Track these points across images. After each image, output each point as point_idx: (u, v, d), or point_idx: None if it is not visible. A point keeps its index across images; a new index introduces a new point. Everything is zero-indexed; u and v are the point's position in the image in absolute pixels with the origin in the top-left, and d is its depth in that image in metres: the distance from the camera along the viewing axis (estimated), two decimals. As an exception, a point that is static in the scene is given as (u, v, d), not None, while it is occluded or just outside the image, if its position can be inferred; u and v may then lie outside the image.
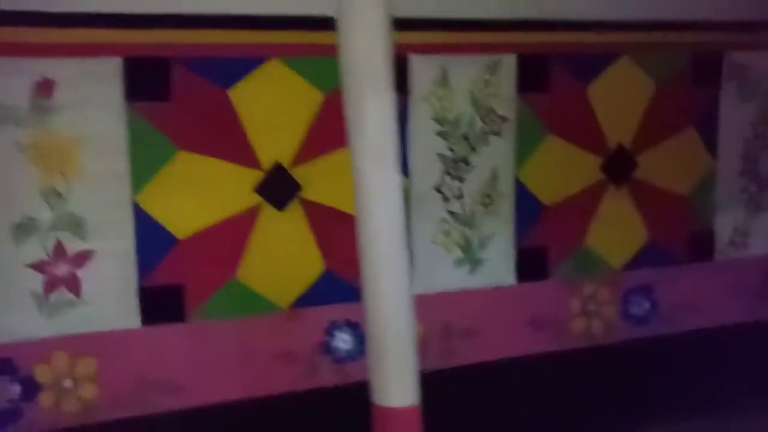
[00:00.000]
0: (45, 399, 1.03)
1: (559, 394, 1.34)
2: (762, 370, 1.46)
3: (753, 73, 1.38)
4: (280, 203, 1.14)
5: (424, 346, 1.23)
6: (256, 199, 1.13)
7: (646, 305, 1.38)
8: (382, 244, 0.98)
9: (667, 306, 1.40)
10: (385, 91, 0.96)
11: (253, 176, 1.12)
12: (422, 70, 1.16)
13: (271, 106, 1.14)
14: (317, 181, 1.17)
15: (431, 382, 1.26)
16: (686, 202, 1.37)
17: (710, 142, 1.37)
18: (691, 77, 1.33)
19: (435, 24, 1.17)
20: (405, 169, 1.20)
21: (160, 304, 1.09)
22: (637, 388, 1.39)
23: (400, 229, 0.95)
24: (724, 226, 1.40)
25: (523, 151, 1.24)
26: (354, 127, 0.96)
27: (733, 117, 1.37)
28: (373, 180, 0.97)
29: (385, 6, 0.98)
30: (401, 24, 1.17)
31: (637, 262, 1.34)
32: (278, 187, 1.13)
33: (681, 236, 1.38)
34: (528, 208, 1.26)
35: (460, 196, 1.23)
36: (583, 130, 1.27)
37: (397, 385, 1.00)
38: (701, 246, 1.39)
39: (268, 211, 1.14)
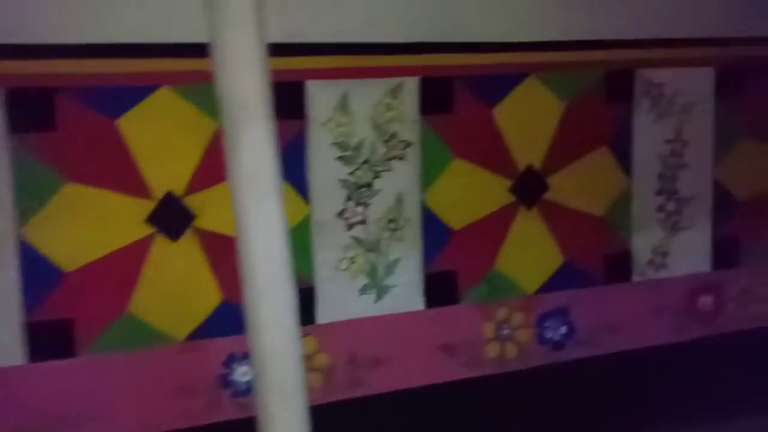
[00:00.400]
0: None
1: (472, 422, 1.33)
2: (683, 392, 1.45)
3: (667, 90, 1.38)
4: (173, 233, 1.12)
5: (330, 376, 1.22)
6: (148, 229, 1.11)
7: (563, 329, 1.36)
8: (263, 277, 0.97)
9: (585, 329, 1.38)
10: (261, 121, 0.93)
11: (145, 206, 1.10)
12: (320, 95, 1.15)
13: (162, 135, 1.12)
14: (212, 210, 1.15)
15: (339, 412, 1.25)
16: (601, 222, 1.35)
17: (625, 161, 1.36)
18: (603, 96, 1.32)
19: (332, 48, 1.15)
20: (306, 196, 1.21)
21: (48, 339, 1.07)
22: (554, 414, 1.38)
23: (283, 263, 0.94)
24: (642, 246, 1.38)
25: (429, 175, 1.23)
26: (230, 158, 0.95)
27: (648, 135, 1.36)
28: (251, 213, 0.94)
29: (260, 32, 0.97)
30: (296, 49, 1.18)
31: (551, 285, 1.33)
32: (171, 217, 1.11)
33: (597, 257, 1.36)
34: (435, 233, 1.24)
35: (364, 222, 1.21)
36: (490, 153, 1.26)
37: (281, 421, 0.99)
38: (618, 267, 1.38)
39: (161, 242, 1.11)
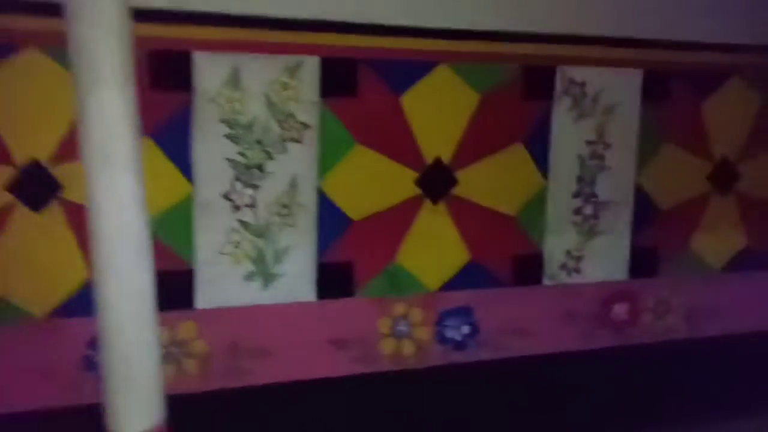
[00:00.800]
0: None
1: (362, 418, 1.28)
2: (589, 401, 1.42)
3: (590, 90, 1.31)
4: (34, 204, 1.07)
5: (206, 364, 1.16)
6: (10, 198, 1.06)
7: (465, 329, 1.30)
8: (113, 255, 0.92)
9: (489, 331, 1.32)
10: (114, 86, 0.89)
11: (7, 173, 1.06)
12: (209, 68, 1.08)
13: (29, 101, 1.08)
14: (81, 181, 1.11)
15: (218, 402, 1.21)
16: (512, 222, 1.29)
17: (541, 161, 1.30)
18: (521, 91, 1.26)
19: (225, 20, 1.08)
20: (189, 174, 1.15)
21: None
22: (450, 415, 1.34)
23: (138, 241, 0.88)
24: (555, 249, 1.32)
25: (328, 160, 1.17)
26: (81, 125, 0.90)
27: (568, 135, 1.30)
28: (102, 185, 0.89)
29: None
30: (184, 18, 1.12)
31: (455, 282, 1.27)
32: (34, 186, 1.06)
33: (506, 258, 1.30)
34: (332, 221, 1.18)
35: (253, 205, 1.15)
36: (395, 142, 1.19)
37: (127, 407, 0.94)
38: (528, 269, 1.31)
39: (23, 213, 1.07)
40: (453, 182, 1.26)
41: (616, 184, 1.36)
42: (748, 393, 1.51)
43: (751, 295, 1.53)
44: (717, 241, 1.46)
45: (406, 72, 1.20)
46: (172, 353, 1.14)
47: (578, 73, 1.31)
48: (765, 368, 1.54)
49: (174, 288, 1.12)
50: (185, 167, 1.11)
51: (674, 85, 1.36)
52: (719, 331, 1.50)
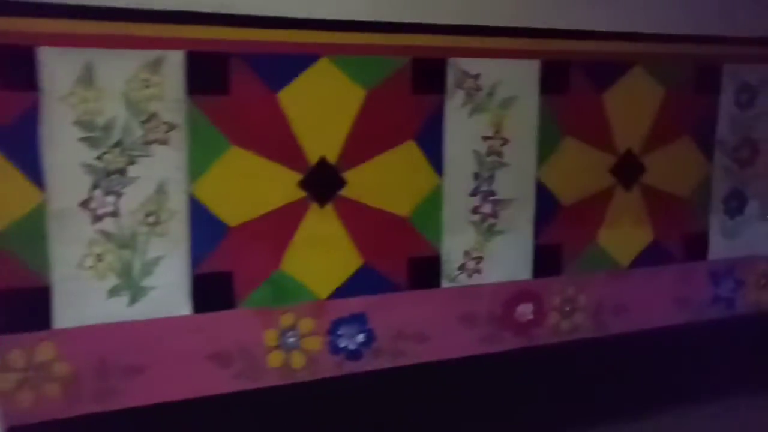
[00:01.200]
0: None
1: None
2: (494, 405, 1.38)
3: (485, 82, 1.20)
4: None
5: (73, 387, 1.07)
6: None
7: (359, 337, 1.23)
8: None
9: (386, 338, 1.25)
10: None
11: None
12: (57, 65, 0.98)
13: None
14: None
15: (87, 427, 1.13)
16: (406, 223, 1.23)
17: (435, 158, 1.21)
18: (410, 85, 1.16)
19: (75, 11, 0.99)
20: (39, 181, 1.04)
21: None
22: (348, 429, 1.29)
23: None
24: (453, 250, 1.26)
25: (199, 163, 1.08)
26: None
27: (462, 130, 1.23)
28: None
29: None
30: (28, 9, 1.01)
31: (347, 289, 1.20)
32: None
33: (401, 261, 1.23)
34: (206, 229, 1.09)
35: (115, 214, 1.05)
36: (275, 142, 1.11)
37: None
38: (425, 272, 1.25)
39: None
40: (341, 183, 1.19)
41: (516, 180, 1.31)
42: (656, 390, 1.51)
43: (659, 291, 1.49)
44: (623, 237, 1.41)
45: (283, 67, 1.11)
46: (29, 378, 1.05)
47: (471, 65, 1.24)
48: (673, 364, 1.54)
49: (29, 307, 1.01)
50: (35, 174, 1.00)
51: (574, 76, 1.31)
52: (627, 329, 1.47)
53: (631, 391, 1.47)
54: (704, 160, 1.48)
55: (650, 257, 1.45)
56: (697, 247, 1.50)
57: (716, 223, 1.51)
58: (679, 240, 1.49)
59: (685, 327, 1.54)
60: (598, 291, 1.42)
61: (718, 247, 1.53)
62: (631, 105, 1.39)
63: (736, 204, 1.54)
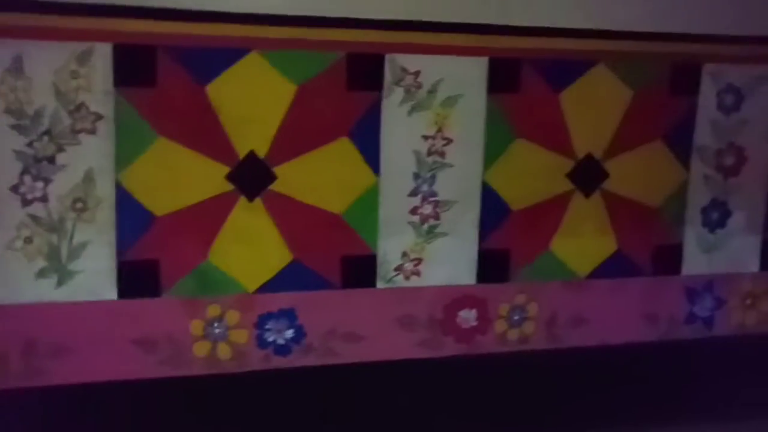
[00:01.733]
0: None
1: (171, 423, 1.23)
2: (431, 409, 1.33)
3: (425, 80, 1.16)
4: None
5: (2, 363, 1.14)
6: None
7: (288, 333, 1.22)
8: None
9: (316, 335, 1.23)
10: None
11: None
12: (-11, 56, 1.10)
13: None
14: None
15: (14, 401, 1.17)
16: (340, 221, 1.22)
17: (371, 157, 1.18)
18: (346, 81, 1.14)
19: (5, 4, 1.02)
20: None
21: None
22: (272, 422, 1.28)
23: None
24: (390, 251, 1.22)
25: (126, 153, 1.11)
26: None
27: (400, 129, 1.19)
28: None
29: None
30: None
31: (277, 283, 1.19)
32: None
33: (333, 259, 1.22)
34: (133, 217, 1.12)
35: (44, 199, 1.10)
36: (203, 135, 1.12)
37: None
38: (360, 271, 1.22)
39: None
40: (271, 178, 1.19)
41: (460, 182, 1.26)
42: (614, 406, 1.41)
43: (624, 305, 1.39)
44: (581, 246, 1.33)
45: (211, 60, 1.12)
46: (-39, 351, 1.15)
47: (411, 61, 1.21)
48: (638, 384, 1.43)
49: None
50: (-32, 159, 1.11)
51: (526, 74, 1.25)
52: (585, 342, 1.39)
53: (587, 408, 1.39)
54: (679, 168, 1.37)
55: (613, 268, 1.36)
56: (668, 260, 1.39)
57: (693, 235, 1.40)
58: (648, 252, 1.38)
59: (656, 345, 1.45)
60: (553, 301, 1.35)
61: (695, 262, 1.41)
62: (593, 106, 1.31)
63: (717, 216, 1.42)
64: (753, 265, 1.46)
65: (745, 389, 1.47)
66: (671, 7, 1.34)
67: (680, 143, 1.37)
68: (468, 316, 1.33)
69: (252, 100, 1.17)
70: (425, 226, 1.27)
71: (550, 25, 1.27)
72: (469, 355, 1.33)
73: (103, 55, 1.10)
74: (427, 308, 1.30)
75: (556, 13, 1.26)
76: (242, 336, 1.23)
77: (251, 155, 1.18)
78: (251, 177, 1.18)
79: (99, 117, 1.11)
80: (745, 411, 1.46)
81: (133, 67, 1.10)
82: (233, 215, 1.19)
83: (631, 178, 1.36)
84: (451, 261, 1.29)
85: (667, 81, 1.34)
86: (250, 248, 1.20)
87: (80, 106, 1.11)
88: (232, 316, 1.21)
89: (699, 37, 1.34)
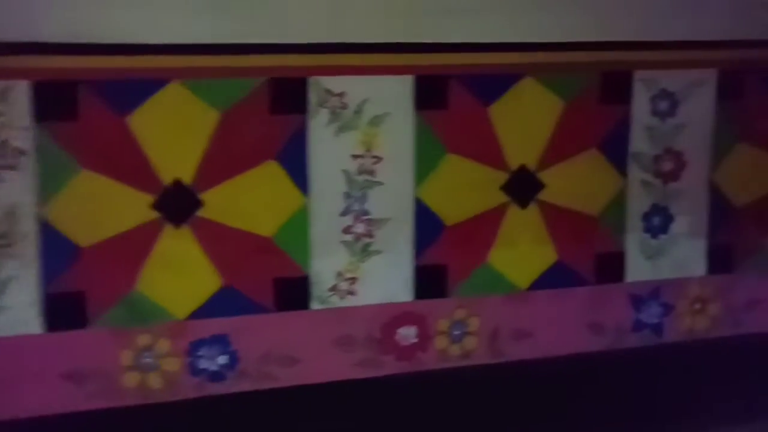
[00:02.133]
0: None
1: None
2: (377, 427, 1.31)
3: (351, 100, 1.17)
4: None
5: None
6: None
7: (221, 359, 1.21)
8: None
9: (251, 360, 1.22)
10: None
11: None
12: None
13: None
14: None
15: None
16: (269, 243, 1.21)
17: (299, 178, 1.19)
18: (269, 105, 1.15)
19: None
20: None
21: None
22: None
23: None
24: (323, 270, 1.22)
25: (49, 187, 1.10)
26: None
27: (328, 150, 1.19)
28: None
29: None
30: None
31: (208, 309, 1.18)
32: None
33: (265, 282, 1.21)
34: (58, 250, 1.11)
35: (-33, 236, 1.17)
36: (126, 164, 1.12)
37: None
38: (292, 293, 1.21)
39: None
40: (197, 204, 1.19)
41: (392, 199, 1.25)
42: (562, 419, 1.39)
43: (568, 315, 1.38)
44: (520, 257, 1.33)
45: (131, 91, 1.12)
46: None
47: (334, 83, 1.22)
48: (582, 392, 1.41)
49: None
50: None
51: (453, 90, 1.25)
52: (530, 355, 1.38)
53: (534, 422, 1.37)
54: (617, 175, 1.36)
55: (554, 279, 1.36)
56: (611, 268, 1.38)
57: (635, 242, 1.39)
58: (590, 261, 1.37)
59: (603, 354, 1.44)
60: (494, 314, 1.34)
61: (639, 269, 1.40)
62: (523, 118, 1.31)
63: (659, 221, 1.41)
64: (699, 269, 1.46)
65: (698, 396, 1.46)
66: (598, 16, 1.35)
67: (616, 151, 1.37)
68: (407, 334, 1.32)
69: (174, 128, 1.17)
70: (359, 245, 1.27)
71: (475, 41, 1.31)
72: (412, 373, 1.34)
73: (21, 92, 1.10)
74: (365, 327, 1.29)
75: (480, 28, 1.31)
76: (174, 364, 1.21)
77: (176, 183, 1.19)
78: (177, 204, 1.17)
79: (21, 152, 1.13)
80: (699, 418, 1.46)
81: (54, 102, 1.10)
82: (160, 243, 1.19)
83: (568, 188, 1.35)
84: (387, 279, 1.28)
85: (598, 90, 1.34)
86: (179, 275, 1.19)
87: (2, 144, 1.14)
88: (163, 345, 1.20)
89: (628, 44, 1.36)
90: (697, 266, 1.45)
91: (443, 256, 1.30)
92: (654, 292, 1.42)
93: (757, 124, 1.44)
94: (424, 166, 1.28)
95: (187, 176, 1.19)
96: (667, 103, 1.41)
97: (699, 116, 1.43)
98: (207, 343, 1.22)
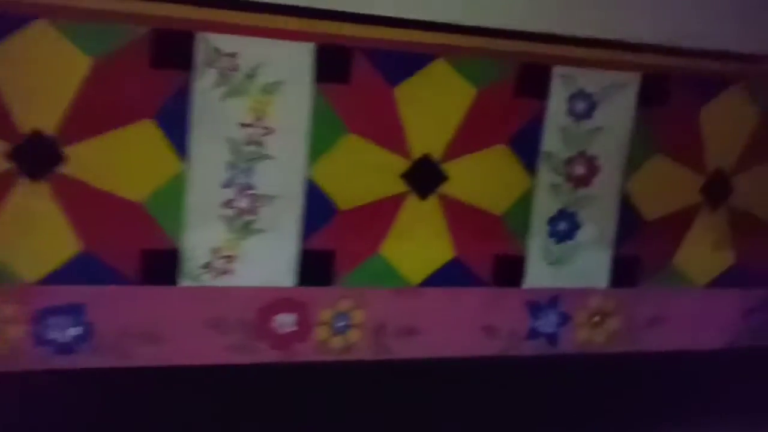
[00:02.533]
0: None
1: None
2: (244, 414, 1.26)
3: (243, 63, 1.06)
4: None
5: None
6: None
7: (73, 330, 1.11)
8: None
9: (108, 334, 1.11)
10: None
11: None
12: None
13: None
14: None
15: None
16: (138, 210, 1.07)
17: (178, 142, 1.07)
18: (149, 59, 1.04)
19: None
20: None
21: None
22: (58, 423, 1.19)
23: None
24: (197, 245, 1.12)
25: None
26: None
27: (213, 114, 1.08)
28: None
29: None
30: None
31: (61, 276, 1.06)
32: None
33: (131, 251, 1.08)
34: None
35: None
36: None
37: None
38: (160, 266, 1.10)
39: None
40: (60, 159, 1.05)
41: (281, 176, 1.16)
42: (442, 420, 1.35)
43: (461, 316, 1.31)
44: (413, 251, 1.24)
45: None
46: None
47: (226, 42, 1.12)
48: (469, 396, 1.37)
49: None
50: None
51: (357, 65, 1.16)
52: (417, 354, 1.30)
53: (415, 422, 1.33)
54: (525, 174, 1.29)
55: (449, 277, 1.29)
56: (510, 271, 1.31)
57: (538, 246, 1.33)
58: (488, 261, 1.31)
59: (495, 359, 1.39)
60: (381, 308, 1.26)
61: (539, 274, 1.34)
62: (431, 104, 1.22)
63: (565, 227, 1.35)
64: (601, 281, 1.43)
65: (588, 410, 1.43)
66: (525, 4, 1.31)
67: (526, 149, 1.31)
68: (285, 321, 1.23)
69: (38, 71, 1.05)
70: (240, 221, 1.17)
71: (387, 14, 1.24)
72: (288, 363, 1.26)
73: None
74: (239, 310, 1.20)
75: (393, 1, 1.23)
76: (18, 331, 1.10)
77: (36, 132, 1.09)
78: (35, 156, 1.05)
79: None
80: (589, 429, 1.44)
81: None
82: (12, 198, 1.08)
83: (472, 183, 1.28)
84: (268, 260, 1.19)
85: (514, 81, 1.27)
86: (32, 235, 1.08)
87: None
88: (7, 309, 1.09)
89: (550, 37, 1.30)
90: (600, 277, 1.41)
91: (332, 241, 1.21)
92: (553, 300, 1.37)
93: (676, 135, 1.40)
94: (320, 143, 1.19)
95: (49, 126, 1.09)
96: (585, 104, 1.34)
97: (617, 121, 1.38)
98: (58, 311, 1.11)
